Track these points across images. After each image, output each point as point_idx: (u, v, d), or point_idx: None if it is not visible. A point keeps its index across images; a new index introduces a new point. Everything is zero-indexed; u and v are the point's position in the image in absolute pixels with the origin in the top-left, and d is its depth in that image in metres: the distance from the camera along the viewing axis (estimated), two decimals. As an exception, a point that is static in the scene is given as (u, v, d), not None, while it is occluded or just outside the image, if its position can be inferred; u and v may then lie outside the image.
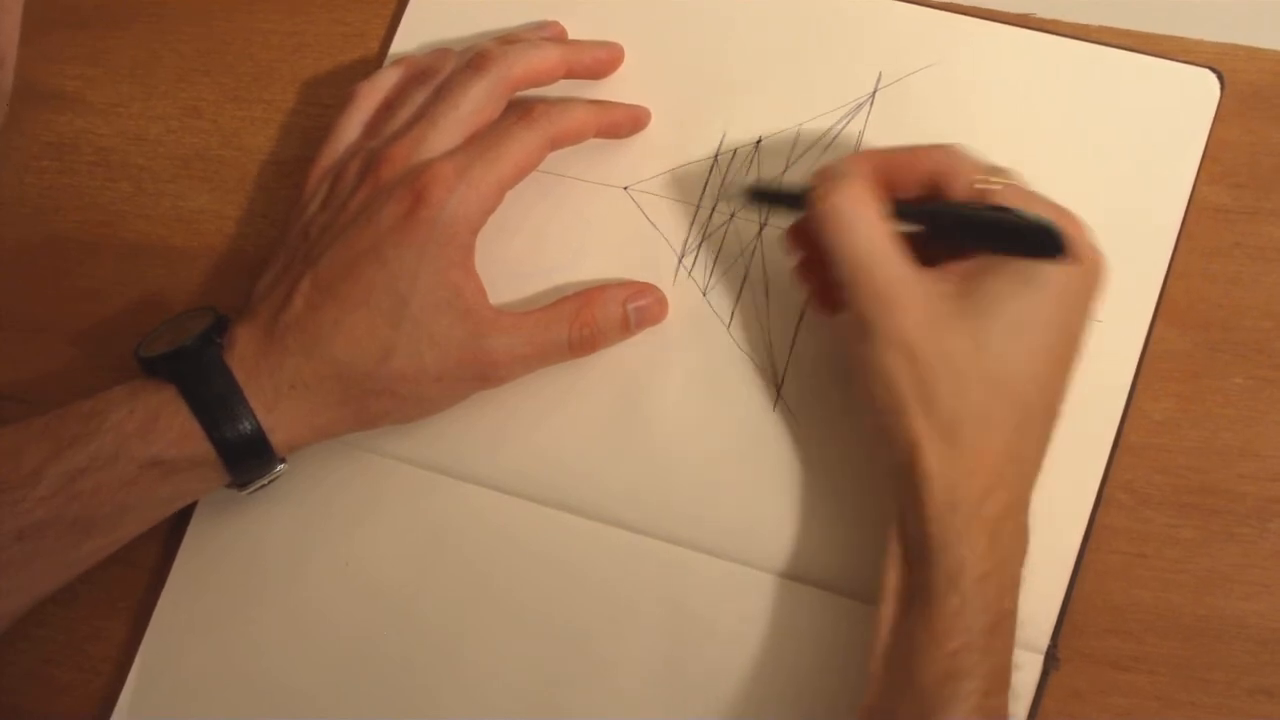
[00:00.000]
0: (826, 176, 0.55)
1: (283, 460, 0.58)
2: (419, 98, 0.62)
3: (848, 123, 0.64)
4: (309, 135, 0.68)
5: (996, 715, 0.51)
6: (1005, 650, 0.52)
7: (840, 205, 0.54)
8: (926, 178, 0.55)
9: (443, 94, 0.61)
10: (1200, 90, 0.62)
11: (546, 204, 0.64)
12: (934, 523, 0.52)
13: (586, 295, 0.61)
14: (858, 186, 0.54)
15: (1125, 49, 0.63)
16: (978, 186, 0.54)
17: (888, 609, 0.53)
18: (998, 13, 0.64)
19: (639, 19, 0.67)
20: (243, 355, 0.56)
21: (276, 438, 0.56)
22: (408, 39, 0.68)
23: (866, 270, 0.53)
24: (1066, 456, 0.58)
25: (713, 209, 0.64)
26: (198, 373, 0.56)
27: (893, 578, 0.54)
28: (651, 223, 0.64)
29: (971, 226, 0.54)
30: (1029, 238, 0.52)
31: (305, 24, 0.70)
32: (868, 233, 0.54)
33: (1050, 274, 0.53)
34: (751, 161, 0.64)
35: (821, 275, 0.57)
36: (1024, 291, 0.53)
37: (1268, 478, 0.58)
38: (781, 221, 0.63)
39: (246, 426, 0.55)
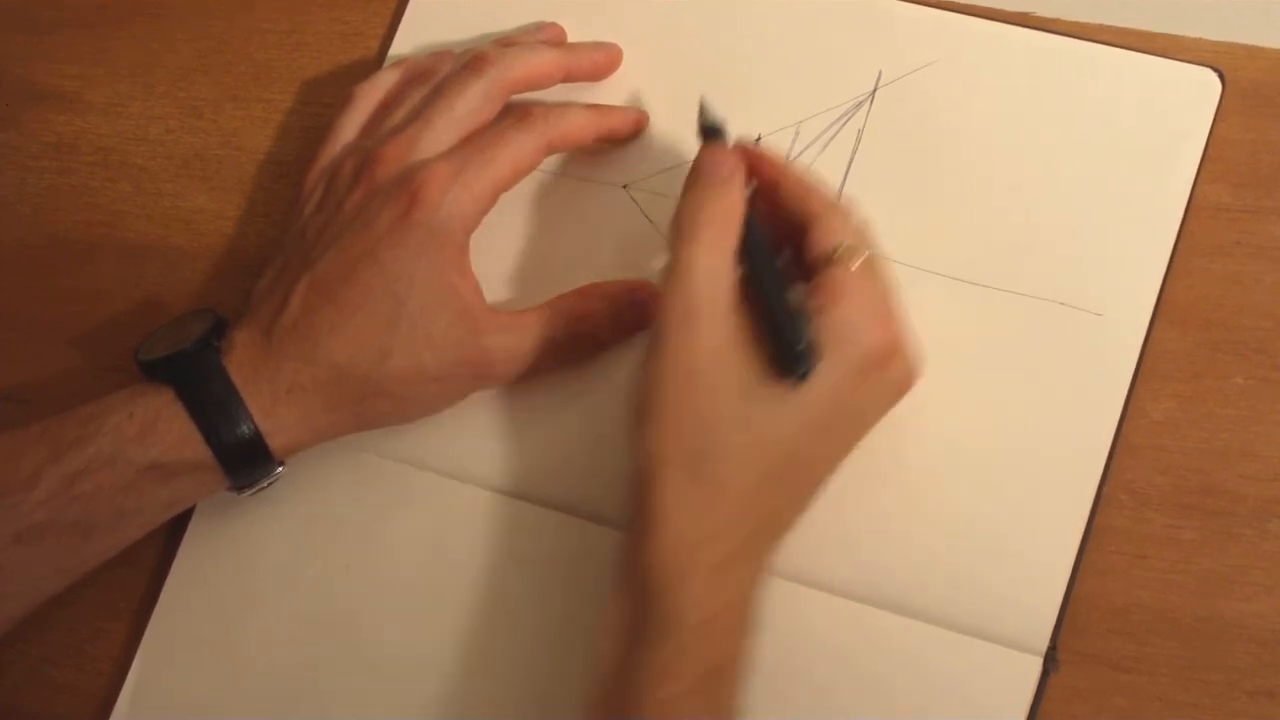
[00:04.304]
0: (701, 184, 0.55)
1: (281, 464, 0.58)
2: (416, 99, 0.62)
3: (848, 121, 0.64)
4: (308, 135, 0.68)
5: None
6: (726, 698, 0.51)
7: (693, 255, 0.54)
8: (800, 216, 0.56)
9: (439, 95, 0.61)
10: (1201, 89, 0.62)
11: (545, 202, 0.64)
12: (657, 554, 0.51)
13: (583, 293, 0.61)
14: (714, 239, 0.54)
15: (1125, 48, 0.63)
16: (835, 254, 0.54)
17: (608, 644, 0.52)
18: (997, 11, 0.64)
19: (638, 18, 0.66)
20: (241, 359, 0.56)
21: (275, 441, 0.56)
22: (407, 39, 0.68)
23: (685, 294, 0.53)
24: (1066, 457, 0.58)
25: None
26: (196, 377, 0.56)
27: (614, 611, 0.53)
28: (651, 222, 0.64)
29: (764, 307, 0.54)
30: (781, 345, 0.52)
31: (304, 24, 0.70)
32: (707, 279, 0.53)
33: (829, 366, 0.52)
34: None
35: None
36: (807, 391, 0.52)
37: (1268, 478, 0.58)
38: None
39: (245, 431, 0.55)
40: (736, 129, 0.64)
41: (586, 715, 0.53)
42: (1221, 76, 0.62)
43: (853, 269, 0.54)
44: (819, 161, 0.63)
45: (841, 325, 0.53)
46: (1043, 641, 0.56)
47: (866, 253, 0.55)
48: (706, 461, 0.52)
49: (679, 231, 0.54)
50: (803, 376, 0.52)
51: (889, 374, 0.55)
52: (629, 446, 0.54)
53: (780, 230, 0.56)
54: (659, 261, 0.63)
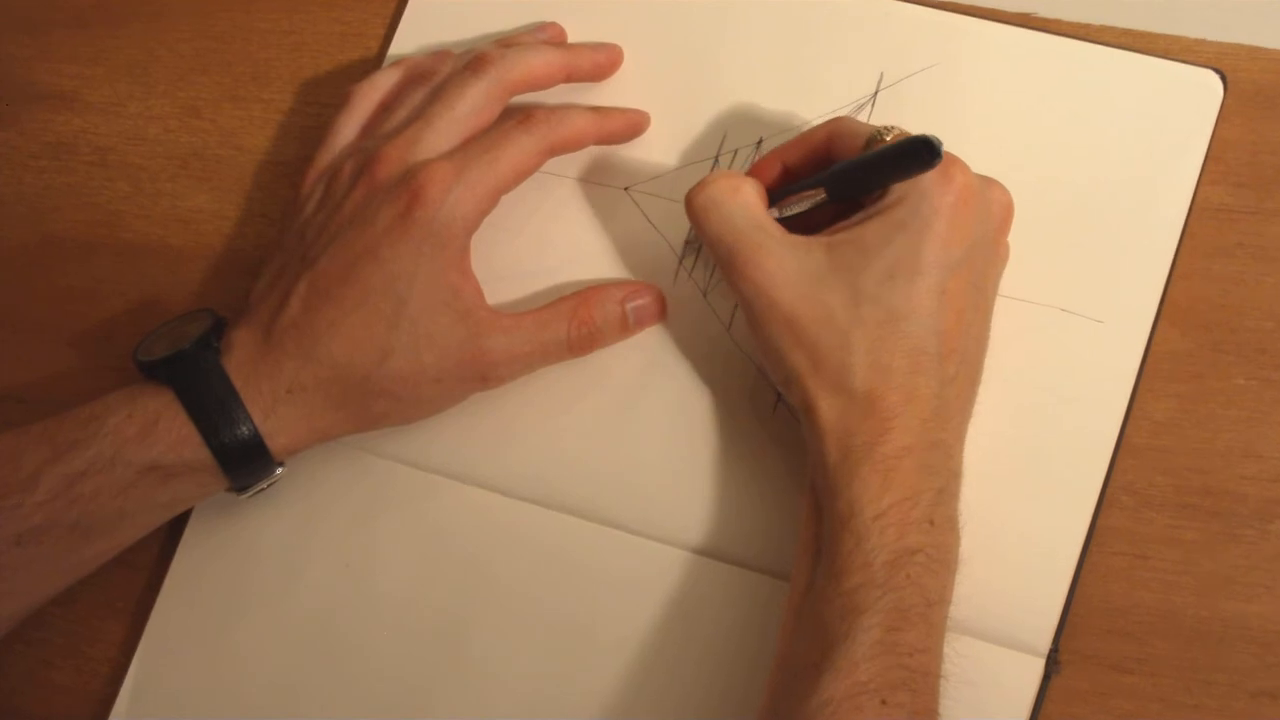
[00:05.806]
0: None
1: (281, 464, 0.58)
2: (416, 98, 0.62)
3: (848, 122, 0.64)
4: (307, 135, 0.68)
5: (904, 649, 0.50)
6: (911, 586, 0.51)
7: (711, 196, 0.57)
8: (823, 153, 0.58)
9: (440, 95, 0.61)
10: (1203, 91, 0.62)
11: (547, 204, 0.64)
12: (830, 471, 0.53)
13: (585, 294, 0.61)
14: (731, 179, 0.57)
15: (1127, 49, 0.63)
16: (870, 140, 0.56)
17: (800, 562, 0.54)
18: (999, 12, 0.64)
19: (639, 20, 0.66)
20: (241, 359, 0.56)
21: (275, 442, 0.56)
22: (407, 39, 0.68)
23: (733, 252, 0.56)
24: (1068, 458, 0.58)
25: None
26: (195, 378, 0.56)
27: (804, 532, 0.55)
28: (652, 224, 0.64)
29: (857, 173, 0.56)
30: (906, 154, 0.53)
31: (304, 24, 0.70)
32: (738, 215, 0.56)
33: (924, 216, 0.53)
34: (751, 163, 0.64)
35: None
36: (897, 236, 0.54)
37: (1270, 479, 0.58)
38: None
39: (244, 431, 0.55)
40: (738, 131, 0.64)
41: (782, 628, 0.54)
42: (1223, 78, 0.62)
43: (889, 140, 0.55)
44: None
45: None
46: (1045, 642, 0.57)
47: (895, 128, 0.56)
48: (848, 378, 0.53)
49: (702, 211, 0.57)
50: (938, 156, 0.52)
51: (983, 200, 0.55)
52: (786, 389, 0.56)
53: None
54: (660, 263, 0.63)
